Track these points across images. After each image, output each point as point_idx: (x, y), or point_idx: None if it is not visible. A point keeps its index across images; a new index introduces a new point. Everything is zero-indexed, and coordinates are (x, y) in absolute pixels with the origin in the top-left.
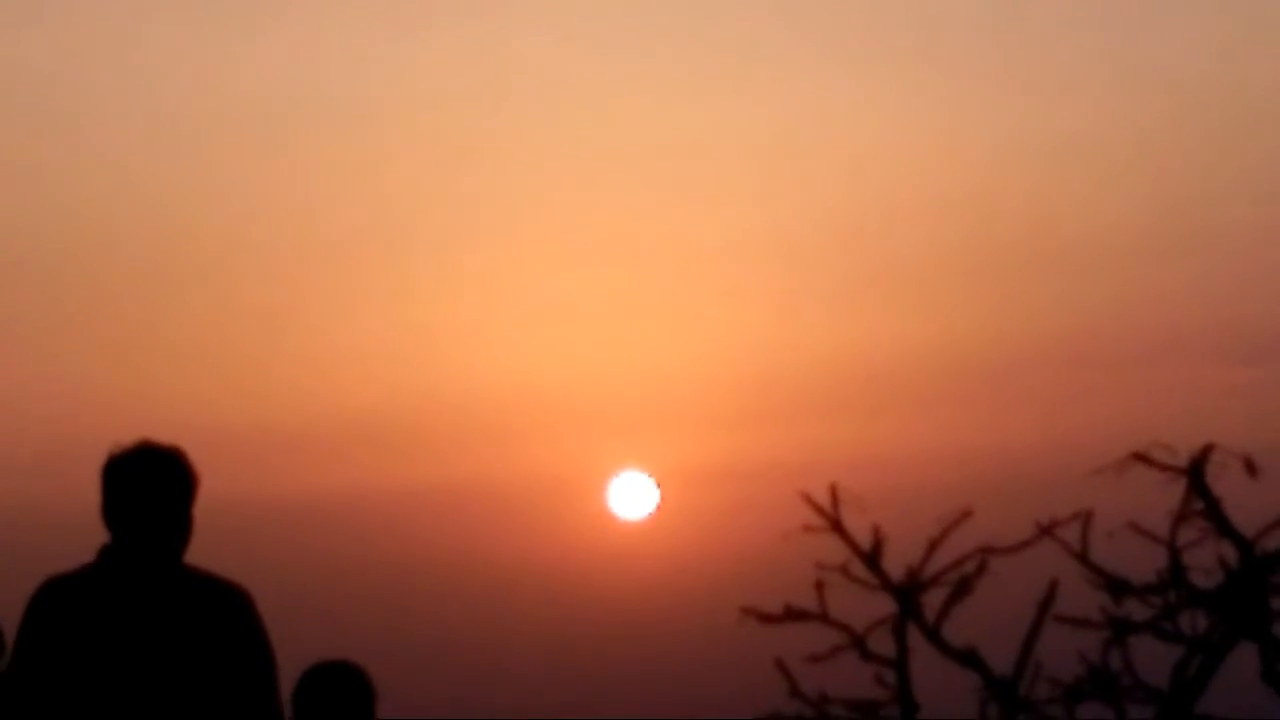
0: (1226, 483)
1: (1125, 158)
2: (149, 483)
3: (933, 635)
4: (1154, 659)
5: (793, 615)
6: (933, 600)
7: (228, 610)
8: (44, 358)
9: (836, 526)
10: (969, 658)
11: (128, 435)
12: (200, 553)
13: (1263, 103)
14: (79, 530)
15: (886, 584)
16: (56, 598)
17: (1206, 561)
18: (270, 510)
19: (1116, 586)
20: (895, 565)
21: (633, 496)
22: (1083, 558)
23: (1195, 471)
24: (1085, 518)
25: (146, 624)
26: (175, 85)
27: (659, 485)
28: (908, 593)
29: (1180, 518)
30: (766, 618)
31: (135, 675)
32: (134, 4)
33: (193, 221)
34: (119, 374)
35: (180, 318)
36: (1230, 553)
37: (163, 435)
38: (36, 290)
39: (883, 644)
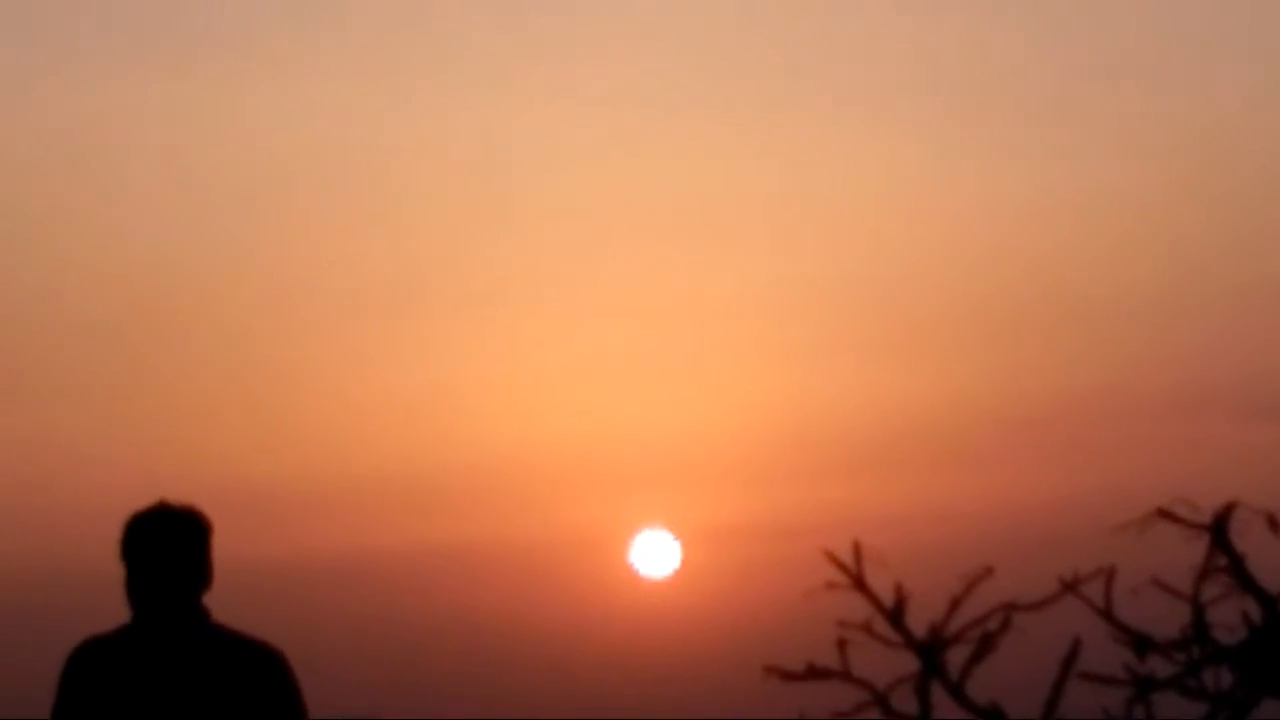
0: (1250, 539)
1: (1143, 215)
2: (161, 539)
3: (956, 692)
4: (1179, 715)
5: (816, 673)
6: (956, 657)
7: (261, 671)
8: (61, 414)
9: (860, 584)
10: (993, 715)
11: (145, 492)
12: (219, 611)
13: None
14: (98, 589)
15: (910, 641)
16: (92, 658)
17: (1230, 618)
18: (288, 569)
19: (1140, 643)
20: (918, 623)
21: (656, 554)
22: (1106, 614)
23: (1218, 528)
24: (1108, 574)
25: (180, 684)
26: (194, 137)
27: (682, 543)
28: (931, 650)
29: (1203, 574)
30: (789, 676)
31: None
32: (155, 61)
33: (213, 276)
34: (138, 431)
35: (200, 374)
36: (1254, 609)
37: (182, 492)
38: (53, 344)
39: (905, 701)
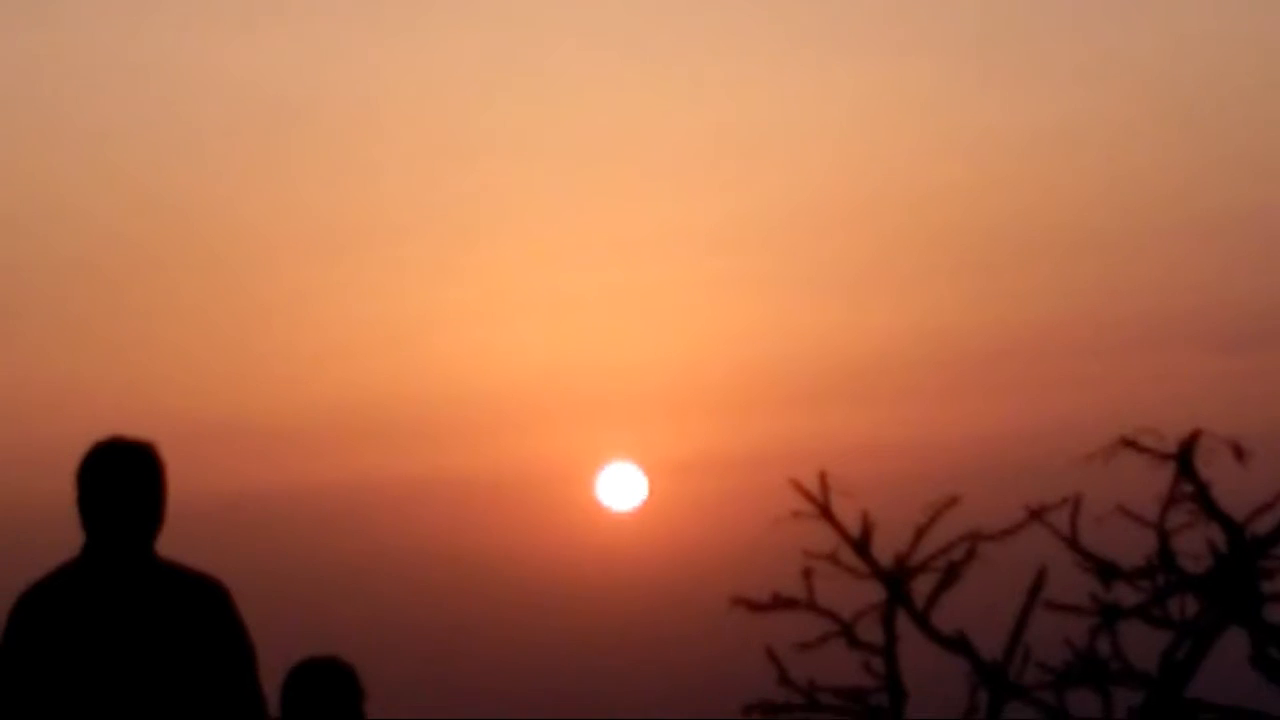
0: (1214, 468)
1: (1107, 146)
2: (118, 476)
3: (922, 621)
4: (1143, 644)
5: (781, 603)
6: (922, 587)
7: (205, 603)
8: (33, 352)
9: (826, 513)
10: (958, 644)
11: (119, 428)
12: (189, 545)
13: (1244, 89)
14: (72, 526)
15: (876, 571)
16: (35, 605)
17: (1195, 546)
18: (256, 502)
19: (1106, 571)
20: (884, 552)
21: (622, 487)
22: (1072, 542)
23: (1184, 456)
24: (1074, 503)
25: (124, 621)
26: (168, 80)
27: (648, 476)
28: (897, 579)
29: (1169, 502)
30: (755, 606)
31: (117, 672)
32: (130, 2)
33: (185, 215)
34: (111, 367)
35: (172, 310)
36: (1219, 537)
37: (153, 428)
38: (26, 284)
39: (871, 631)
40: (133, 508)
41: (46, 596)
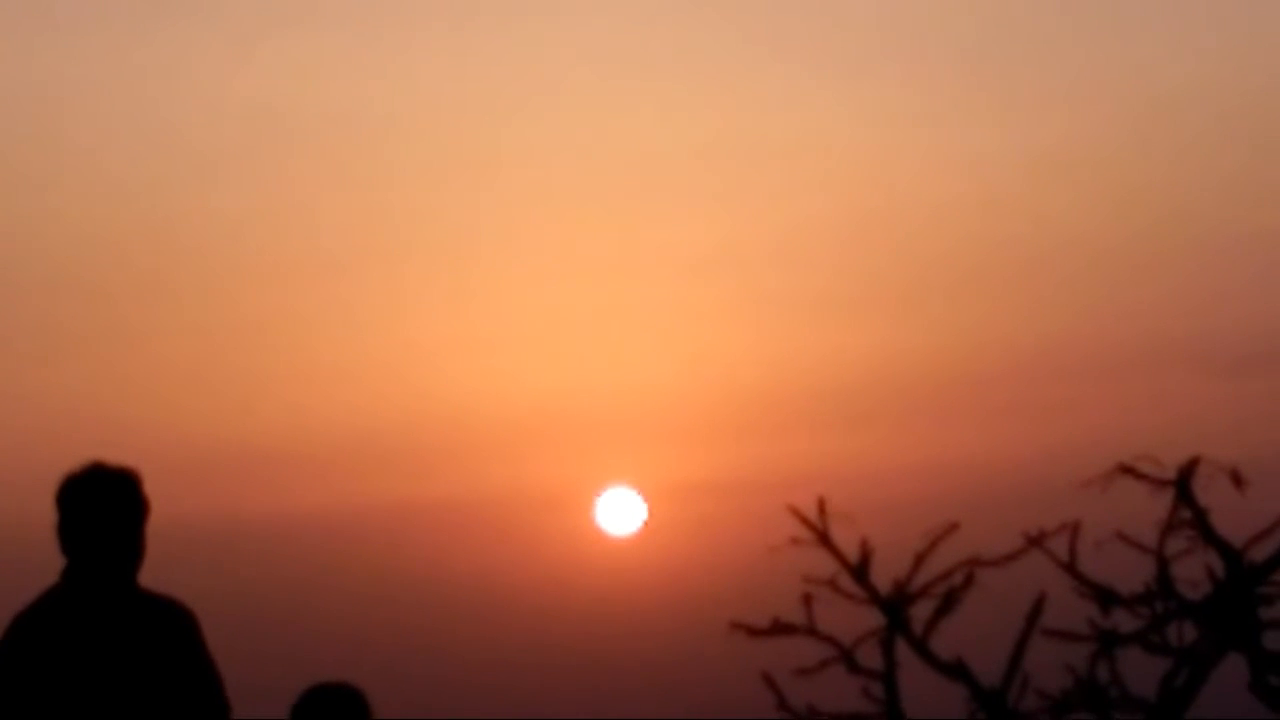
0: (1213, 495)
1: (1106, 169)
2: (100, 505)
3: (921, 648)
4: (1142, 671)
5: (780, 629)
6: (920, 613)
7: (177, 629)
8: (33, 370)
9: (824, 539)
10: (957, 670)
11: (116, 448)
12: (186, 568)
13: (1244, 112)
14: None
15: (874, 597)
16: (21, 634)
17: (1194, 573)
18: (251, 525)
19: (1105, 597)
20: (883, 578)
21: (621, 512)
22: (1071, 569)
23: (1182, 483)
24: (1073, 529)
25: (106, 648)
26: (170, 95)
27: (647, 501)
28: (895, 606)
29: (1167, 529)
30: (755, 632)
31: (101, 698)
32: (130, 15)
33: (186, 234)
34: (108, 387)
35: (172, 331)
36: (1218, 564)
37: (150, 449)
38: (27, 301)
39: (870, 657)
40: (114, 536)
41: (32, 625)
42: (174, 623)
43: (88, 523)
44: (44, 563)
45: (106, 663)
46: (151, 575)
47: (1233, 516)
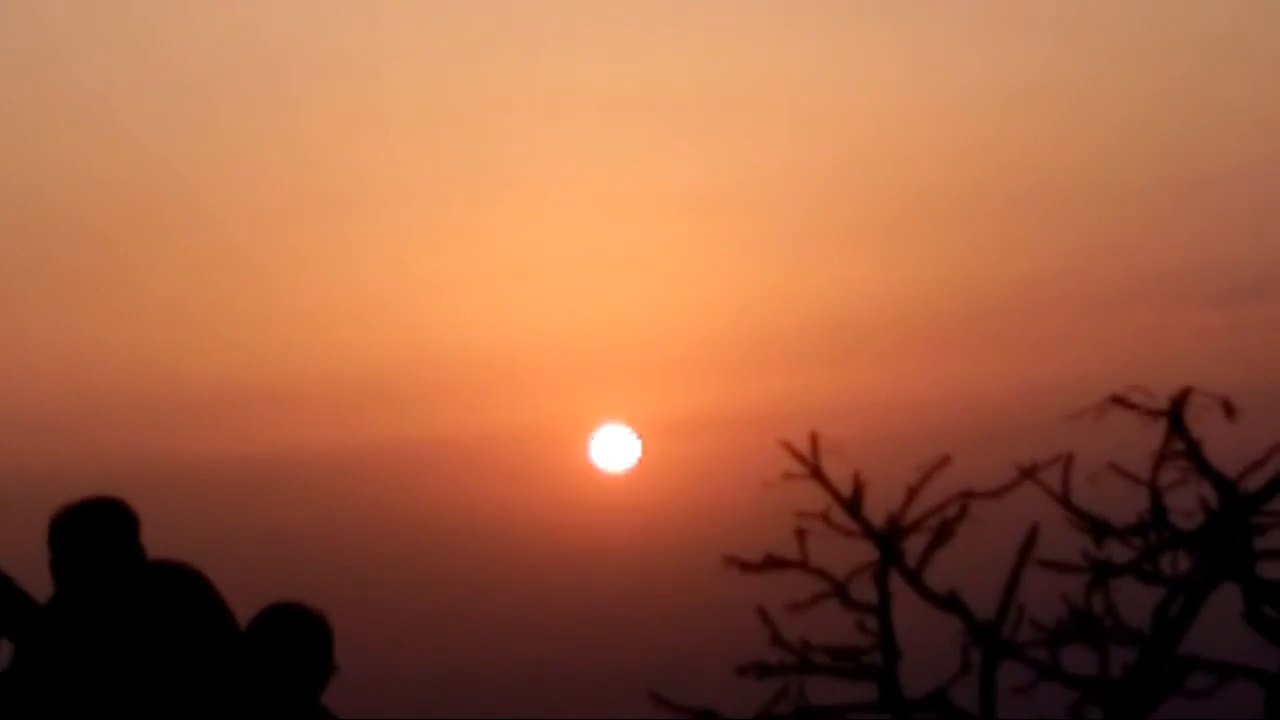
0: (1206, 425)
1: (1093, 100)
2: (90, 542)
3: (914, 581)
4: (1136, 601)
5: (774, 563)
6: (914, 546)
7: (187, 594)
8: (31, 314)
9: (817, 473)
10: (951, 602)
11: (119, 389)
12: (187, 508)
13: (1230, 41)
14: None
15: (868, 530)
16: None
17: (1187, 503)
18: (250, 464)
19: (1098, 528)
20: (876, 512)
21: (615, 449)
22: (1064, 500)
23: (1175, 413)
24: (1066, 461)
25: (122, 630)
26: (169, 39)
27: (640, 437)
28: (889, 539)
29: (1161, 459)
30: (748, 566)
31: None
32: None
33: (185, 174)
34: (109, 328)
35: (171, 271)
36: (1211, 494)
37: (151, 390)
38: (24, 245)
39: (864, 591)
40: (107, 571)
41: (45, 620)
42: (184, 587)
43: (81, 560)
44: (47, 504)
45: (125, 647)
46: (153, 516)
47: (1225, 446)
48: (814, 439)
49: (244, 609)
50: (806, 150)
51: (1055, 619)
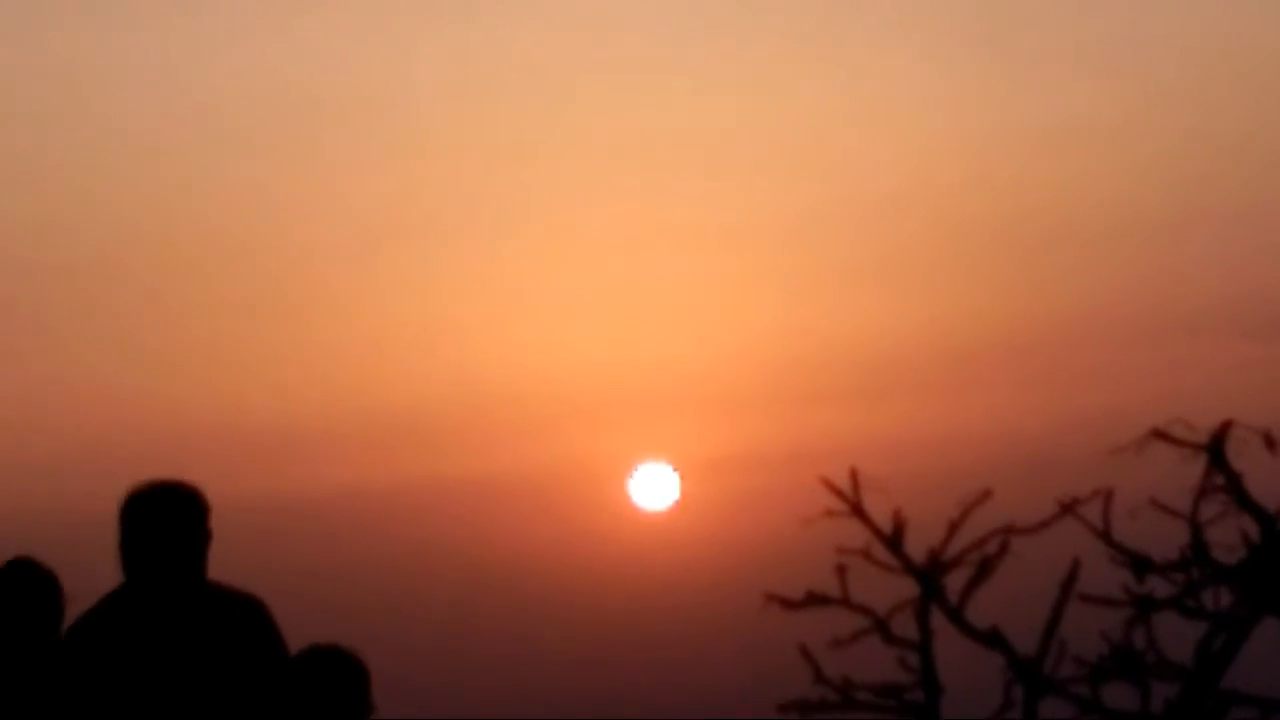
0: (1247, 458)
1: (1130, 135)
2: (162, 524)
3: (956, 617)
4: (1178, 636)
5: (815, 600)
6: (955, 582)
7: (248, 621)
8: (65, 353)
9: (857, 510)
10: (993, 638)
11: (152, 429)
12: (223, 551)
13: (1262, 78)
14: (86, 531)
15: (908, 567)
16: (86, 634)
17: (1229, 537)
18: (287, 504)
19: (1139, 564)
20: (917, 548)
21: (655, 487)
22: (1105, 536)
23: (1215, 447)
24: (1106, 496)
25: (174, 646)
26: (199, 76)
27: (680, 475)
28: (930, 575)
29: (1201, 494)
30: (790, 604)
31: (169, 697)
32: None
33: (216, 214)
34: (142, 368)
35: (202, 312)
36: (1252, 528)
37: (182, 430)
38: (57, 285)
39: (905, 627)
40: (177, 556)
41: (97, 625)
42: (244, 615)
43: (148, 541)
44: (80, 545)
45: (174, 663)
46: None
47: (1267, 480)
48: (854, 475)
49: None
50: (844, 186)
51: (1097, 655)
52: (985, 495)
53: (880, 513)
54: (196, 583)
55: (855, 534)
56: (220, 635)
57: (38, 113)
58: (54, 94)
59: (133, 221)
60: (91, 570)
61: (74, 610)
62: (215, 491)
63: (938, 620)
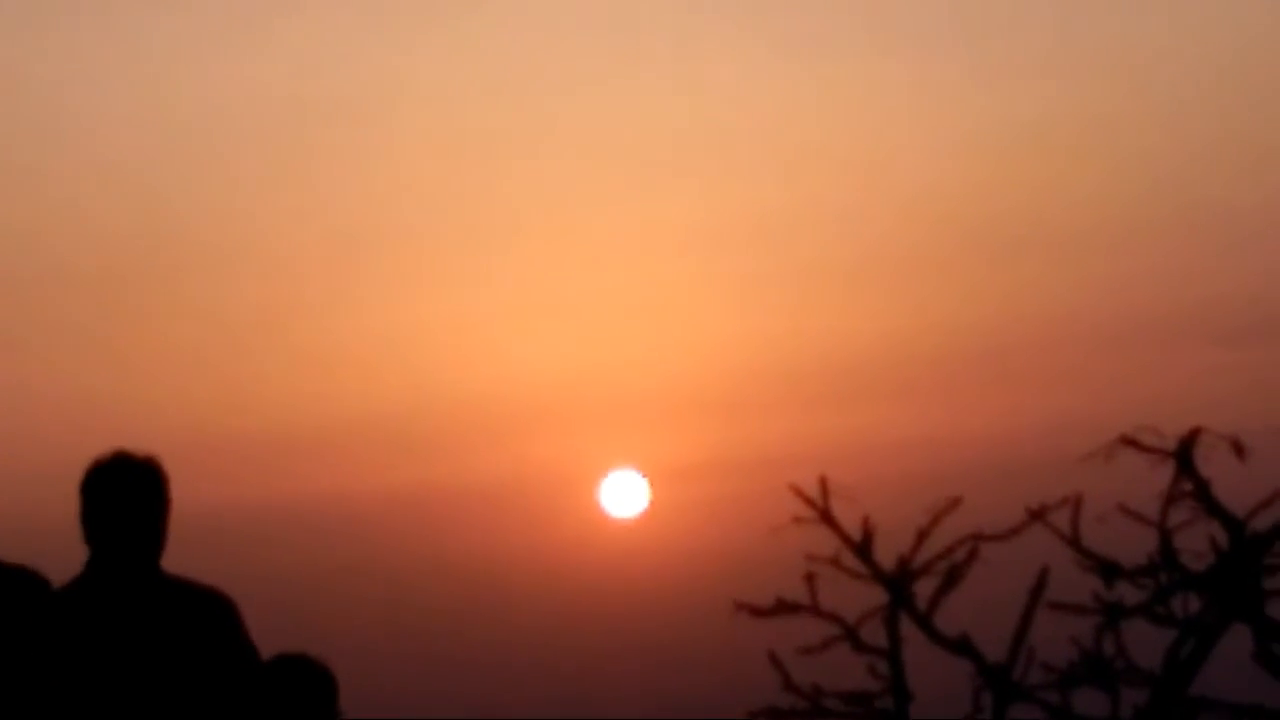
0: (1215, 464)
1: (1101, 140)
2: (122, 492)
3: (925, 624)
4: (1147, 642)
5: (784, 608)
6: (924, 589)
7: (211, 616)
8: (41, 362)
9: (826, 518)
10: (962, 646)
11: (130, 436)
12: (197, 555)
13: (1237, 80)
14: (74, 538)
15: (878, 574)
16: (44, 620)
17: (1197, 544)
18: (262, 510)
19: (1108, 570)
20: (886, 555)
21: (625, 494)
22: (1074, 542)
23: (1183, 454)
24: (1075, 502)
25: (131, 636)
26: (173, 83)
27: (650, 482)
28: (899, 582)
29: (1170, 500)
30: (759, 611)
31: (123, 687)
32: (132, 3)
33: (192, 220)
34: (121, 375)
35: (178, 318)
36: (1220, 534)
37: (164, 436)
38: (36, 293)
39: (875, 635)
40: (137, 524)
41: (54, 612)
42: (207, 610)
43: (111, 510)
44: (54, 553)
45: (129, 649)
46: (165, 564)
47: (1235, 486)
48: (823, 483)
49: None
50: (812, 192)
51: (1066, 661)
52: (954, 502)
53: (849, 520)
54: (157, 552)
55: (824, 541)
56: (183, 626)
57: (13, 121)
58: (29, 102)
59: (105, 230)
60: (67, 578)
61: None
62: (190, 498)
63: (907, 627)
